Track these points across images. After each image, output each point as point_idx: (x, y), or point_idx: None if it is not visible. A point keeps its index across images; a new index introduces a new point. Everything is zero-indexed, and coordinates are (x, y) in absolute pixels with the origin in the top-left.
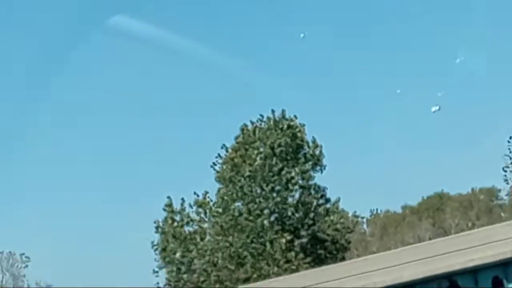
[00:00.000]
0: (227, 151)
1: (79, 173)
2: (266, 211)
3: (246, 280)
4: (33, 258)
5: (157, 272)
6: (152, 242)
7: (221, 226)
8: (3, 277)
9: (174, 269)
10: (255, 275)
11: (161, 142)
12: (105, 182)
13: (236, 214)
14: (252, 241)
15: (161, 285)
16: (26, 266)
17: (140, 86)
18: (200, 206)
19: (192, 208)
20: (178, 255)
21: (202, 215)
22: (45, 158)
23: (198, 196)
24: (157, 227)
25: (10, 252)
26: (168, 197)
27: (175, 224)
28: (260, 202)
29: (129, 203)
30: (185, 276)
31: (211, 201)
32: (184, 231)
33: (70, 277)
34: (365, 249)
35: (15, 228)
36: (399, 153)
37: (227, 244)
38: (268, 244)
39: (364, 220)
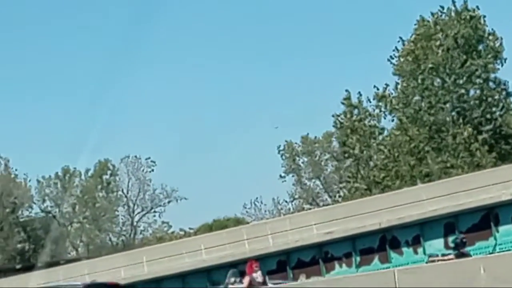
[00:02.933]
0: (404, 44)
1: (222, 69)
2: (448, 105)
3: (427, 176)
4: (159, 162)
5: (284, 177)
6: (278, 147)
7: (401, 121)
8: (129, 181)
9: (353, 164)
10: (436, 170)
11: (334, 36)
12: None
13: (417, 108)
14: (433, 136)
15: (288, 190)
16: (152, 170)
17: None
18: (380, 100)
19: (370, 102)
20: (357, 149)
21: (382, 109)
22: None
23: (378, 89)
24: (335, 121)
25: (136, 157)
26: (347, 91)
27: (354, 118)
28: (442, 95)
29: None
30: (363, 171)
31: (391, 94)
32: (364, 125)
33: (195, 182)
34: None
35: (141, 132)
36: None
37: (407, 139)
38: (449, 138)
39: None
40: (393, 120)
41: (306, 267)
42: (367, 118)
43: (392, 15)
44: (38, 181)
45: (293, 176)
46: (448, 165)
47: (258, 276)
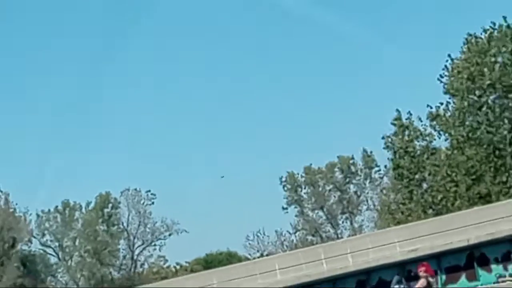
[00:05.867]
0: (453, 61)
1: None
2: (506, 122)
3: (486, 196)
4: (159, 195)
5: (286, 208)
6: (281, 178)
7: (457, 140)
8: (129, 214)
9: (405, 186)
10: (495, 191)
11: (379, 55)
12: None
13: (473, 126)
14: (489, 156)
15: (291, 221)
16: (152, 203)
17: None
18: (433, 119)
19: (421, 121)
20: (410, 171)
21: (437, 129)
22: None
23: (431, 108)
24: (386, 143)
25: (136, 189)
26: (397, 111)
27: (406, 138)
28: (500, 112)
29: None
30: (417, 194)
31: (446, 113)
32: (415, 146)
33: (196, 216)
34: None
35: (140, 164)
36: None
37: (465, 159)
38: (508, 157)
39: None
40: (446, 140)
41: (387, 287)
42: (418, 138)
43: (437, 33)
44: (38, 215)
45: (295, 207)
46: (506, 187)
47: (433, 281)
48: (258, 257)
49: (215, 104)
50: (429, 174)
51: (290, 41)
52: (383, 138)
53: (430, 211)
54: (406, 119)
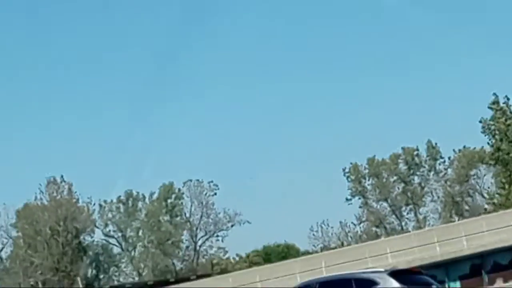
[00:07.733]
0: None
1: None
2: None
3: None
4: (222, 186)
5: (350, 200)
6: (344, 169)
7: None
8: (191, 205)
9: (503, 171)
10: None
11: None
12: None
13: None
14: None
15: (355, 213)
16: (215, 194)
17: None
18: None
19: None
20: (509, 155)
21: None
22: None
23: None
24: (483, 127)
25: (198, 180)
26: (494, 94)
27: (507, 122)
28: None
29: None
30: None
31: None
32: None
33: (258, 207)
34: None
35: (202, 156)
36: None
37: None
38: None
39: None
40: None
41: (503, 270)
42: None
43: None
44: (100, 206)
45: (359, 198)
46: None
47: None
48: (321, 250)
49: (280, 97)
50: None
51: (354, 38)
52: (480, 121)
53: None
54: (503, 103)
